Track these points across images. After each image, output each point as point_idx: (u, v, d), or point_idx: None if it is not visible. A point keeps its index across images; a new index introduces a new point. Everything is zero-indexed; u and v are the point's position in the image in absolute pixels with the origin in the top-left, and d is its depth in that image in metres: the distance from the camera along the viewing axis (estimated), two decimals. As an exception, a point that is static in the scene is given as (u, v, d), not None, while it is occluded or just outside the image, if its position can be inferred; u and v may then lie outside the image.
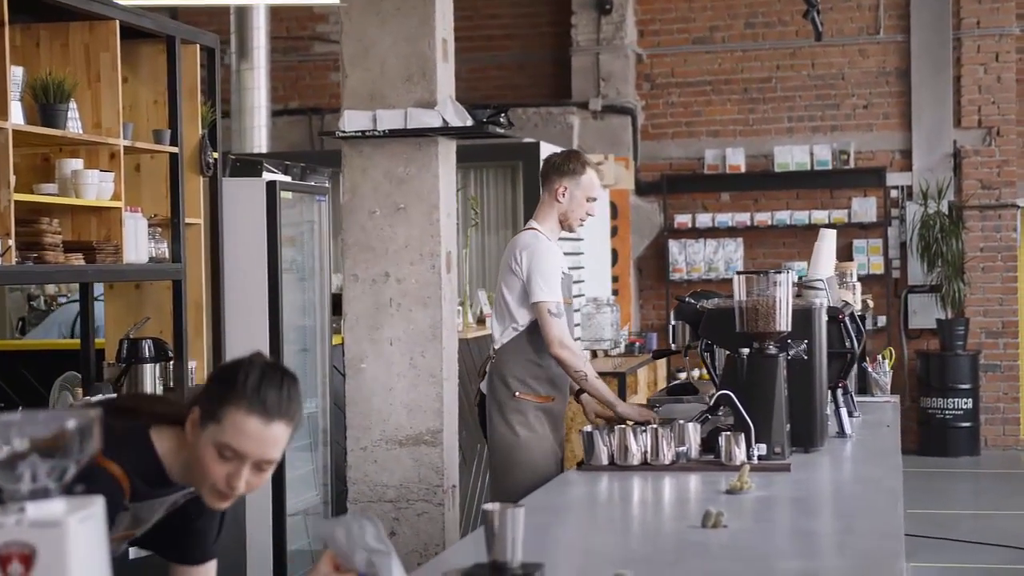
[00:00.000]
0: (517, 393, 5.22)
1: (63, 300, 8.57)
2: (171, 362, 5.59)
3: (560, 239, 6.98)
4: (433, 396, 5.87)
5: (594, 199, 5.37)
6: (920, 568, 8.00)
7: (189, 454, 2.65)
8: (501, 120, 6.12)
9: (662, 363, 11.24)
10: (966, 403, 12.29)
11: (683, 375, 12.32)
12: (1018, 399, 12.71)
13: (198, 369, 5.88)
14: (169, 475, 2.70)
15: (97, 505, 1.77)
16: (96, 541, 1.76)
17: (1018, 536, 8.88)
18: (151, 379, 5.42)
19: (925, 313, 12.64)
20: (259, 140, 10.67)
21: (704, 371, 12.09)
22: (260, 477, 2.64)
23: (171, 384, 5.62)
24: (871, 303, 9.92)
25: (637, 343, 10.90)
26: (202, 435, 2.60)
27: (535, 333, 5.19)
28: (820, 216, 12.63)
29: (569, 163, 5.34)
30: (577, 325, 9.84)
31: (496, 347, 5.33)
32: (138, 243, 5.28)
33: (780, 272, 4.40)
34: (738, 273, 4.43)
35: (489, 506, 2.71)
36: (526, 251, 5.20)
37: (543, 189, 5.42)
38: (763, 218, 12.82)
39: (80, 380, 5.67)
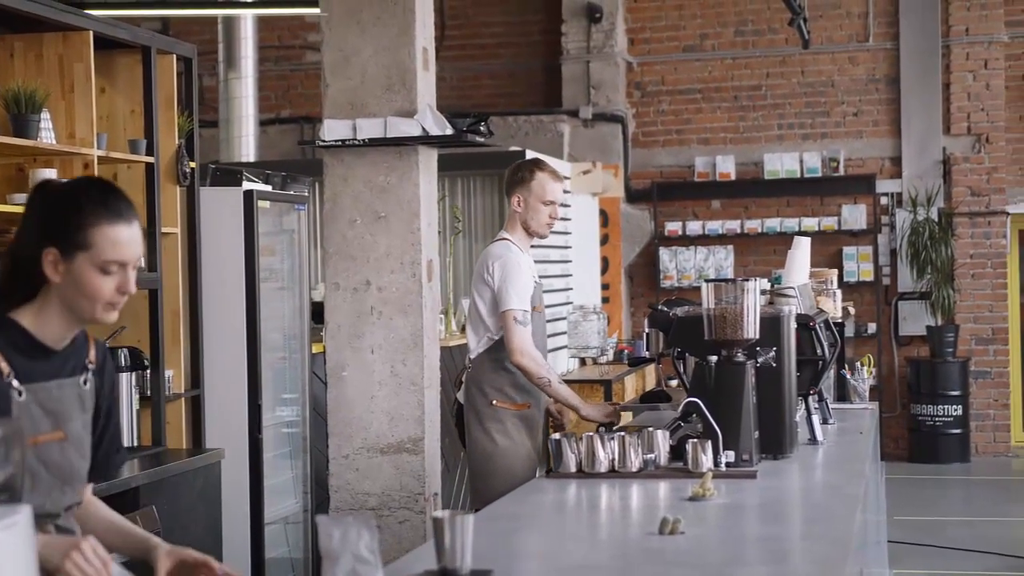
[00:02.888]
0: (494, 401, 5.28)
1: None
2: (147, 371, 5.61)
3: (545, 247, 7.00)
4: (414, 404, 5.88)
5: (551, 202, 5.39)
6: (905, 574, 8.01)
7: (61, 295, 2.70)
8: (481, 129, 6.14)
9: (651, 370, 11.25)
10: (956, 410, 12.30)
11: (674, 383, 12.33)
12: (1008, 406, 12.72)
13: (175, 378, 5.89)
14: (45, 344, 2.73)
15: (23, 513, 1.79)
16: (22, 549, 1.78)
17: (1007, 543, 8.89)
18: (127, 388, 5.43)
19: (915, 320, 12.65)
20: (247, 149, 10.69)
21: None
22: (134, 279, 2.75)
23: (148, 393, 5.63)
24: (852, 310, 9.92)
25: (626, 351, 10.91)
26: (73, 267, 2.68)
27: None
28: (810, 223, 12.64)
29: (518, 172, 5.42)
30: (562, 334, 9.88)
31: (471, 356, 5.40)
32: (113, 252, 5.29)
33: (748, 280, 4.42)
34: (706, 281, 4.45)
35: (438, 514, 2.73)
36: (498, 261, 5.27)
37: (507, 202, 5.51)
38: (753, 225, 12.84)
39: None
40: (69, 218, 2.68)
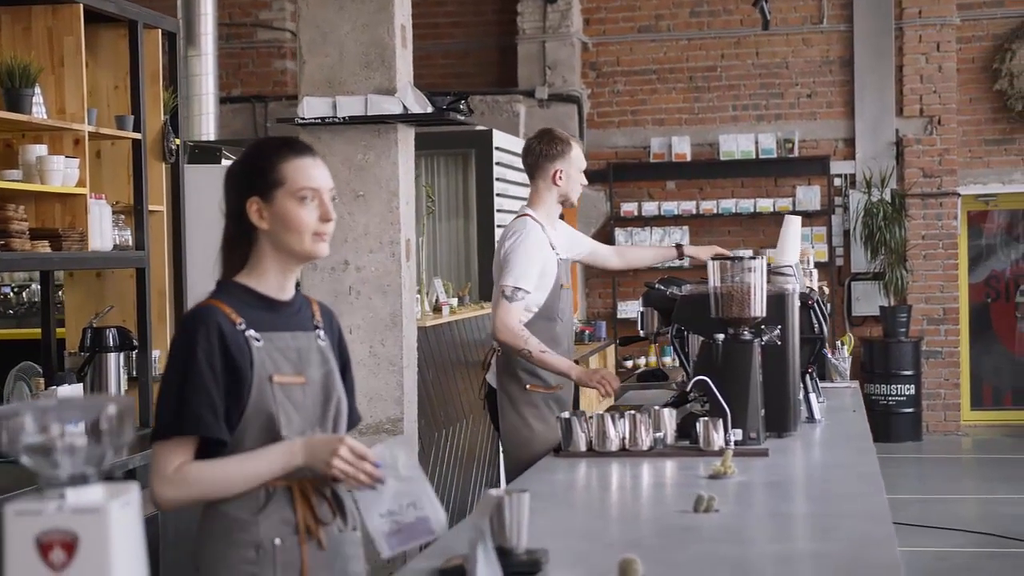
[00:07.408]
0: (528, 386, 5.16)
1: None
2: (135, 351, 5.52)
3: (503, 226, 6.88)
4: (393, 384, 5.86)
5: (583, 167, 5.46)
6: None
7: (272, 240, 2.86)
8: (461, 107, 6.10)
9: (611, 351, 11.28)
10: (908, 389, 12.43)
11: (630, 363, 12.37)
12: (959, 385, 12.89)
13: (162, 358, 5.81)
14: (269, 296, 2.89)
15: (134, 492, 1.75)
16: (135, 526, 1.74)
17: (960, 519, 9.01)
18: (115, 368, 5.35)
19: (868, 300, 12.77)
20: (207, 127, 10.54)
21: (657, 358, 12.09)
22: (332, 207, 2.90)
23: (135, 374, 5.54)
24: (827, 289, 10.00)
25: (587, 331, 10.92)
26: (275, 206, 2.85)
27: (540, 323, 5.13)
28: (765, 204, 12.72)
29: (556, 146, 5.33)
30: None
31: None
32: (103, 230, 5.20)
33: (755, 258, 4.41)
34: (713, 258, 4.43)
35: (495, 492, 2.70)
36: (512, 239, 5.17)
37: (534, 177, 5.37)
38: (709, 206, 12.89)
39: (38, 371, 5.57)
40: (257, 165, 2.88)
